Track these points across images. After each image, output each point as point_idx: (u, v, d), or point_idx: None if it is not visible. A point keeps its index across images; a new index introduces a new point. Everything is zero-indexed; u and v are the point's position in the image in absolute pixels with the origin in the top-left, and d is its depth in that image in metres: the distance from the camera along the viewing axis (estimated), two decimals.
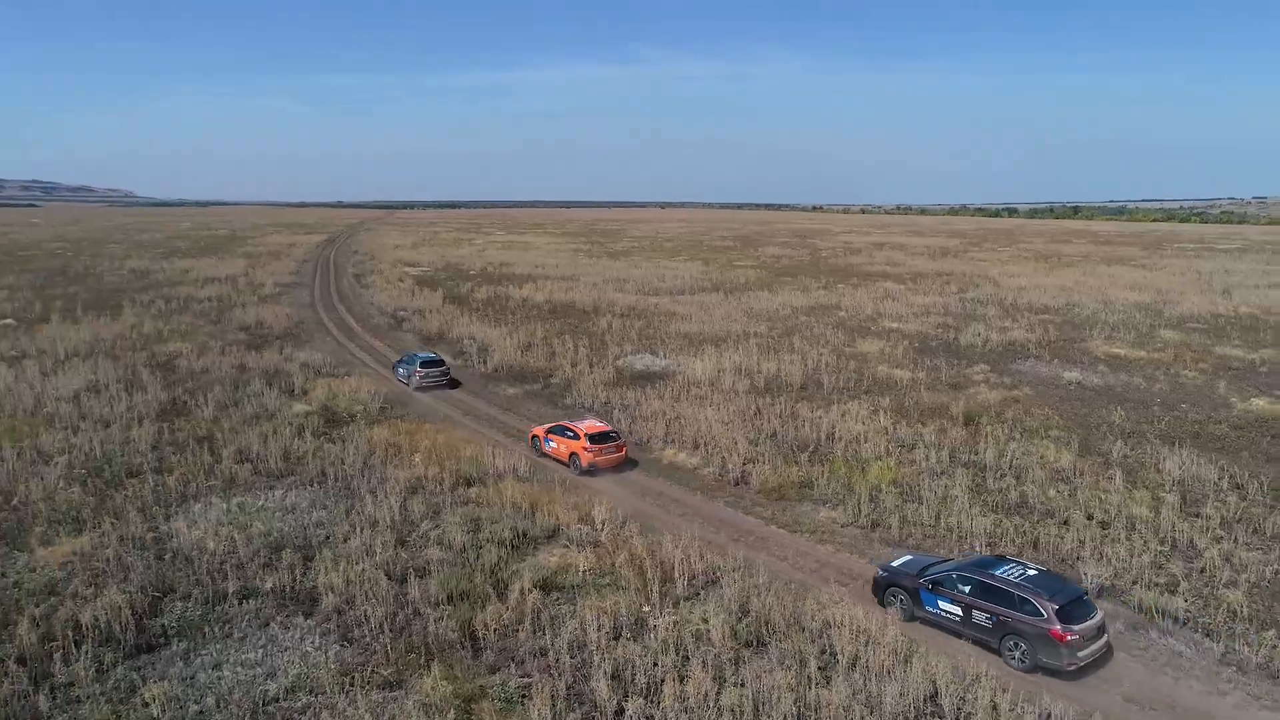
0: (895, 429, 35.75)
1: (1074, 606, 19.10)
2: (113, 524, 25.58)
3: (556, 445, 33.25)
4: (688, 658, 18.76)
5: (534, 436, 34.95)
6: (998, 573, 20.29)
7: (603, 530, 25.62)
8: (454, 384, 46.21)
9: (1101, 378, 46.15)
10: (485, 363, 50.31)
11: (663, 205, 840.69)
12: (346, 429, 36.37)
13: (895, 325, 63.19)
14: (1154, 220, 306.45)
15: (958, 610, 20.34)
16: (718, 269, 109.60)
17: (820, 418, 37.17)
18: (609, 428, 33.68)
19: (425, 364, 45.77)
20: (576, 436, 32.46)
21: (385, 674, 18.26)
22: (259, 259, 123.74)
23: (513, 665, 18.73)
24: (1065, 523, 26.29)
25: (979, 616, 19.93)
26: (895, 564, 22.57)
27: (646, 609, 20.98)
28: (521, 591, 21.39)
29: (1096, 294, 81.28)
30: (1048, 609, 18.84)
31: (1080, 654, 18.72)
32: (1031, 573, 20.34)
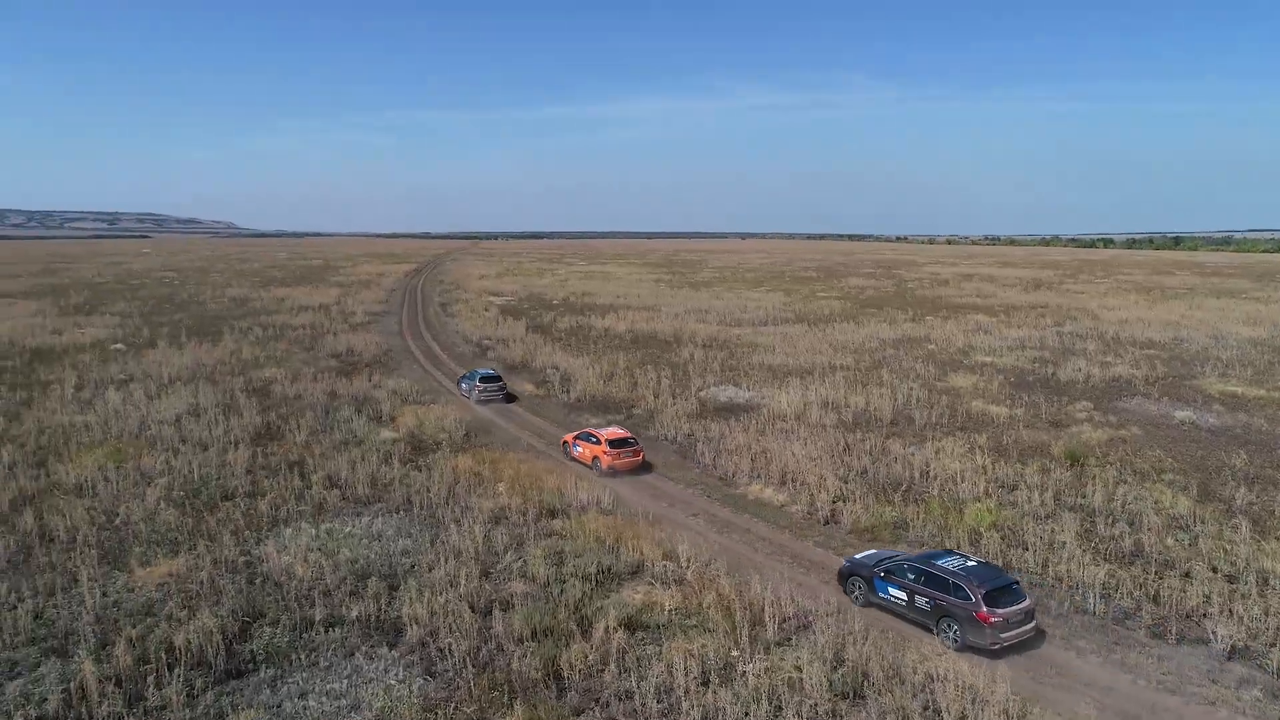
0: (993, 468, 34.02)
1: (1001, 593, 20.95)
2: (207, 547, 26.09)
3: (582, 450, 36.47)
4: (780, 708, 17.85)
5: (565, 442, 38.21)
6: (939, 563, 22.31)
7: (688, 568, 24.87)
8: (510, 398, 49.61)
9: (1217, 418, 43.30)
10: (568, 392, 50.27)
11: (743, 236, 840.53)
12: (432, 456, 36.60)
13: (988, 359, 60.87)
14: (1264, 251, 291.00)
15: (904, 595, 22.39)
16: (801, 300, 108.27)
17: (912, 455, 35.73)
18: (628, 434, 37.02)
19: (484, 379, 49.46)
20: (599, 442, 35.63)
21: (468, 712, 17.87)
22: (350, 288, 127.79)
23: (597, 709, 18.12)
24: (1187, 575, 24.38)
25: (920, 601, 21.98)
26: (858, 556, 24.85)
27: (735, 653, 20.12)
28: (606, 630, 20.80)
29: (1206, 328, 77.00)
30: (976, 594, 20.77)
31: (1003, 635, 20.55)
32: (971, 564, 22.36)
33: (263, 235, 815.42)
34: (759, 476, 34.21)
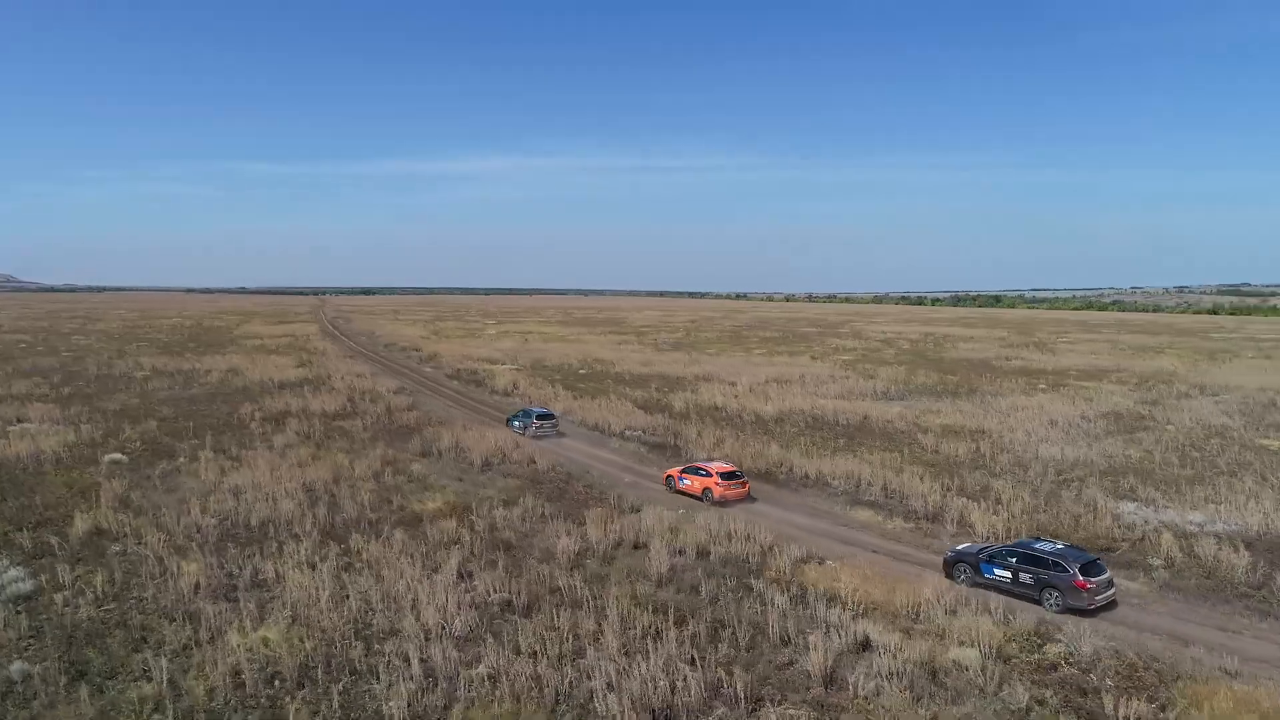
0: None
1: (1089, 566, 25.58)
2: None
3: (690, 483, 38.02)
4: None
5: (668, 476, 39.73)
6: (1036, 546, 26.78)
7: None
8: (561, 434, 52.35)
9: None
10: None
11: (584, 293, 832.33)
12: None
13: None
14: (1101, 309, 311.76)
15: (1008, 574, 26.56)
16: (860, 362, 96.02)
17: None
18: (735, 468, 38.97)
19: (540, 417, 53.01)
20: (709, 475, 37.44)
21: None
22: (285, 355, 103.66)
23: None
24: None
25: (1024, 577, 26.19)
26: (959, 548, 29.00)
27: None
28: None
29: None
30: (1073, 568, 25.32)
31: (1098, 598, 25.11)
32: (1060, 546, 26.95)
33: (52, 290, 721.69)
34: None
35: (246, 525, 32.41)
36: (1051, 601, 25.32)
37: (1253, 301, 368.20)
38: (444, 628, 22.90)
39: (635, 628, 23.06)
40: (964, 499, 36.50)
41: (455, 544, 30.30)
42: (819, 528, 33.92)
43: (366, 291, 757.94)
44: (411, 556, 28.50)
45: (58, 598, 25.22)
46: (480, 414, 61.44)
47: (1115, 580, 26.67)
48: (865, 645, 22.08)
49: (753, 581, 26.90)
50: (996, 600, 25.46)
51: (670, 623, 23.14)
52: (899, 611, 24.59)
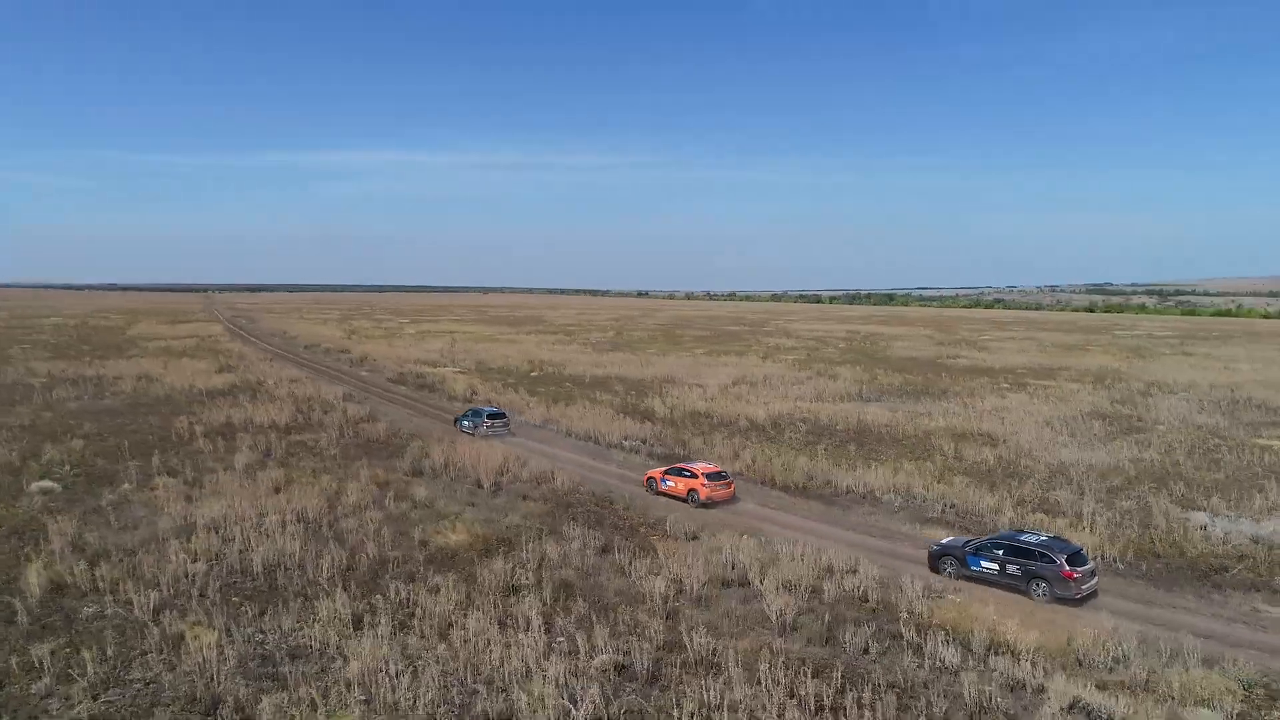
0: None
1: (1074, 557, 26.25)
2: None
3: (674, 484, 37.71)
4: None
5: (649, 478, 39.24)
6: (1022, 538, 27.43)
7: None
8: (512, 433, 51.70)
9: None
10: None
11: (484, 290, 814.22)
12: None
13: None
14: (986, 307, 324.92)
15: (995, 566, 27.09)
16: (808, 364, 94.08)
17: None
18: (720, 468, 38.99)
19: (491, 416, 52.27)
20: (695, 476, 37.19)
21: None
22: (231, 361, 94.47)
23: None
24: None
25: (1011, 569, 26.72)
26: (944, 542, 29.27)
27: None
28: None
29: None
30: (1060, 558, 25.88)
31: (1084, 587, 25.81)
32: (1044, 537, 27.52)
33: None
34: None
35: (248, 572, 26.75)
36: (1039, 592, 25.98)
37: (1117, 300, 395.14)
38: (571, 713, 18.37)
39: (794, 695, 19.12)
40: (1041, 514, 33.99)
41: (517, 590, 25.59)
42: (903, 552, 30.69)
43: (252, 289, 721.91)
44: (476, 608, 23.70)
45: (36, 688, 19.41)
46: (447, 422, 55.92)
47: (1231, 603, 26.14)
48: (1073, 707, 18.79)
49: (890, 625, 23.33)
50: (1165, 637, 22.62)
51: (831, 688, 19.29)
52: (1071, 657, 21.48)
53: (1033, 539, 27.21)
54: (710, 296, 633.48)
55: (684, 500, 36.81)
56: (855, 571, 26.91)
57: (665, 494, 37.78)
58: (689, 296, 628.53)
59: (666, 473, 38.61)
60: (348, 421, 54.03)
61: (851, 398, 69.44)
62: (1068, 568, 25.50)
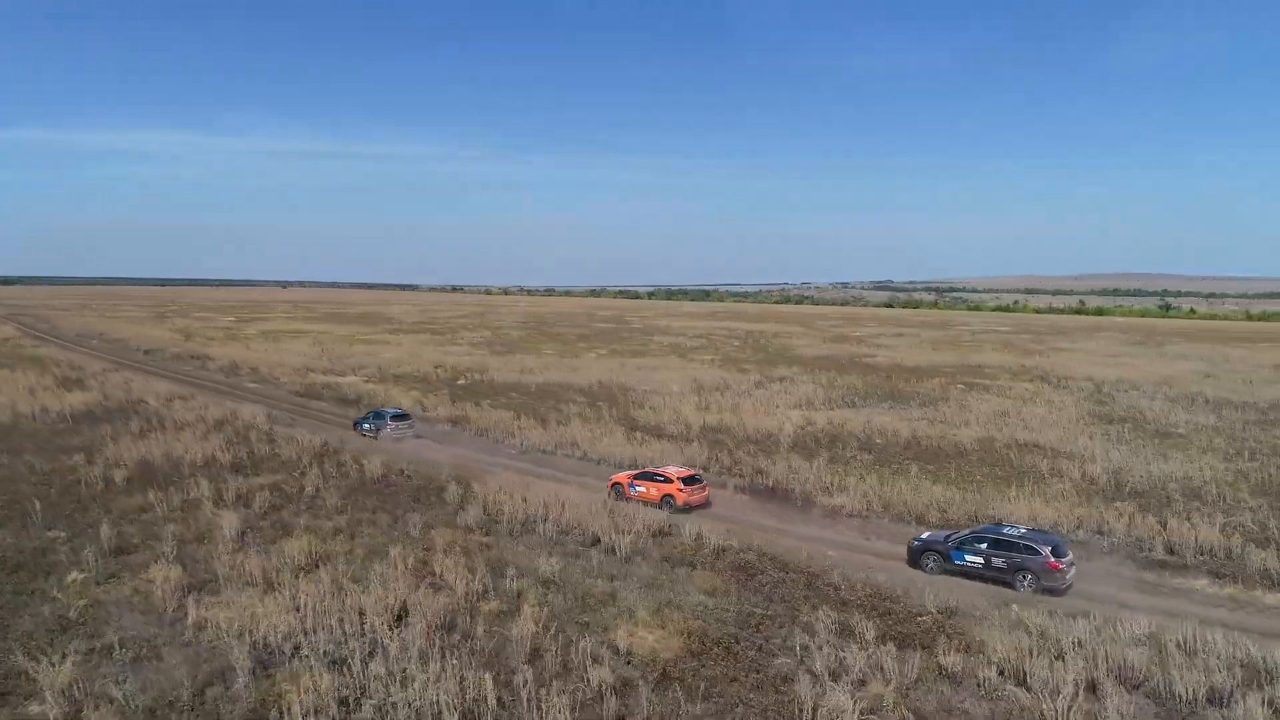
0: None
1: (1059, 548, 26.85)
2: None
3: (645, 489, 36.16)
4: None
5: (615, 484, 37.32)
6: (1005, 531, 27.90)
7: None
8: (418, 435, 48.76)
9: None
10: None
11: (284, 284, 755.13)
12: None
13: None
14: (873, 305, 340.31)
15: (980, 560, 27.43)
16: (799, 368, 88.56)
17: None
18: (695, 471, 37.94)
19: (395, 418, 49.20)
20: (669, 480, 35.89)
21: None
22: (70, 372, 75.28)
23: None
24: None
25: (996, 561, 27.09)
26: (924, 536, 29.50)
27: None
28: None
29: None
30: (1044, 550, 26.48)
31: (1068, 577, 26.29)
32: (1025, 530, 28.20)
33: None
34: None
35: None
36: (1025, 584, 26.36)
37: (903, 296, 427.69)
38: None
39: None
40: (1258, 550, 29.45)
41: None
42: (1159, 610, 24.97)
43: (5, 281, 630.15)
44: None
45: None
46: (417, 446, 45.11)
47: None
48: None
49: None
50: None
51: None
52: None
53: (1014, 531, 27.87)
54: (526, 292, 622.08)
55: (658, 506, 34.73)
56: (1116, 628, 20.67)
57: (636, 500, 35.53)
58: (505, 292, 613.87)
59: (636, 477, 37.24)
60: (313, 454, 42.07)
61: (837, 404, 64.48)
62: (1053, 558, 26.14)
